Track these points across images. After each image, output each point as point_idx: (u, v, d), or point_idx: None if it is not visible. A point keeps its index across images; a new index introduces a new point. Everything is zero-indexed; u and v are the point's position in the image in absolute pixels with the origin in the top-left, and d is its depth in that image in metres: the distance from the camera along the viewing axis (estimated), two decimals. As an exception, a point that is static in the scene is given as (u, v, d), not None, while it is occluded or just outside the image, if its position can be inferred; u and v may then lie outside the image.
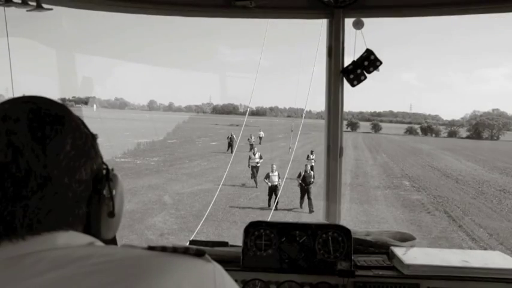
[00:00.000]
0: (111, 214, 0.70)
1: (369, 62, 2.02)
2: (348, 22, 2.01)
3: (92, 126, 0.74)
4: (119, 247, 0.71)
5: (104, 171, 0.71)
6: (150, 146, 26.81)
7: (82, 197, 0.66)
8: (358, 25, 2.01)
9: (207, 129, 46.61)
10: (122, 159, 20.59)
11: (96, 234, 0.69)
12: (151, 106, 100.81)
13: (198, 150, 26.49)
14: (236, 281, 1.30)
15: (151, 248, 0.65)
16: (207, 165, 20.62)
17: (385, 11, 1.97)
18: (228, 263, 1.52)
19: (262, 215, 11.70)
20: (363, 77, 2.03)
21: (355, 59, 2.02)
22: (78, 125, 0.68)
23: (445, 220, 12.47)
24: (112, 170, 0.73)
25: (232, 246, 1.71)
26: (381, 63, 2.02)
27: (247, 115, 14.11)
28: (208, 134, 40.17)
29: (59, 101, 0.71)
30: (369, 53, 2.01)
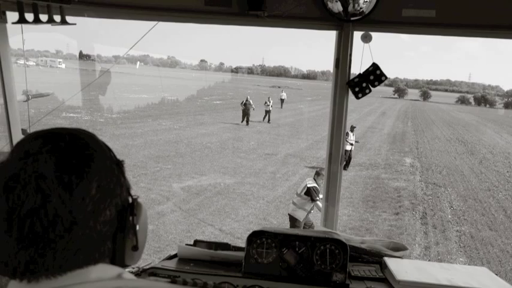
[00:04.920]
0: (135, 248, 0.74)
1: (374, 76, 2.06)
2: (357, 36, 2.04)
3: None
4: (145, 281, 0.83)
5: (129, 204, 0.74)
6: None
7: (107, 236, 0.69)
8: (366, 39, 2.04)
9: (246, 89, 43.67)
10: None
11: (121, 264, 0.74)
12: (202, 66, 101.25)
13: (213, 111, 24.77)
14: (237, 286, 1.52)
15: (173, 282, 0.76)
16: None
17: (394, 27, 1.96)
18: (229, 266, 1.65)
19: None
20: (367, 90, 2.09)
21: (361, 72, 2.08)
22: (104, 161, 0.70)
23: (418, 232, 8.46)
24: (137, 198, 0.75)
25: (234, 247, 1.84)
26: (386, 78, 2.05)
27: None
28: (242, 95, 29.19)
29: (86, 131, 0.72)
30: (375, 67, 2.05)
